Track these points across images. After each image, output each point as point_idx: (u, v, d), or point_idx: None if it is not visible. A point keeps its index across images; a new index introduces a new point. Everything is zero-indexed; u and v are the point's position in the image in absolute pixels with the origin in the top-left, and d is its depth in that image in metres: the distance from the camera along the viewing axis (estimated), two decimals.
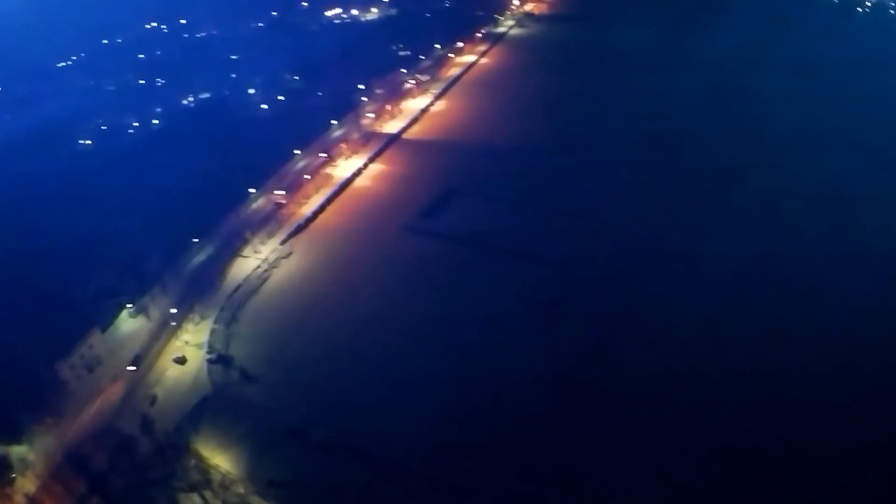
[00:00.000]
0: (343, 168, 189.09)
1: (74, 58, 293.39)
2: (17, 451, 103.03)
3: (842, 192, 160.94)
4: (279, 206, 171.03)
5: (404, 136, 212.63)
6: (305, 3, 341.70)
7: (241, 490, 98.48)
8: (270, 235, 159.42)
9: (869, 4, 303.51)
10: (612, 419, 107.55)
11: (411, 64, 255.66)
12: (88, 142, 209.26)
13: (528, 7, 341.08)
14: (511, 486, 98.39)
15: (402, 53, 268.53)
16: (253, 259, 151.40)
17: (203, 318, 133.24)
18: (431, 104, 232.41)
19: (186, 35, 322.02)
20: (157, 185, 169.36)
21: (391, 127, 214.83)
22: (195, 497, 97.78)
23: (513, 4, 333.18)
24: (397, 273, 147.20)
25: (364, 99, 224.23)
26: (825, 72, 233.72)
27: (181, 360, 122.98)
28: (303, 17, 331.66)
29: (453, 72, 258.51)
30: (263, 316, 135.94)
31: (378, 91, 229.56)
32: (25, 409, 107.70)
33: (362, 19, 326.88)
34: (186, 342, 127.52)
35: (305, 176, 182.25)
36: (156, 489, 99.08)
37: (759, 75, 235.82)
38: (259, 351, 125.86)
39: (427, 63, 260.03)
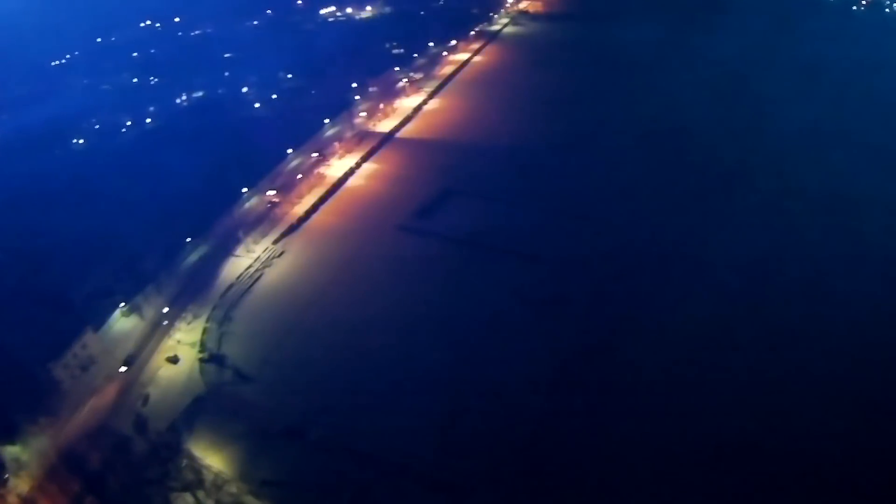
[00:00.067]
0: (337, 167, 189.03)
1: (69, 56, 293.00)
2: (11, 451, 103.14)
3: (846, 191, 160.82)
4: (272, 205, 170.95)
5: (399, 135, 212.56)
6: (300, 2, 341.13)
7: (235, 490, 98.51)
8: (264, 235, 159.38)
9: (864, 3, 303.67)
10: (613, 420, 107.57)
11: (406, 62, 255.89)
12: (82, 141, 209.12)
13: (523, 5, 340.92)
14: (509, 487, 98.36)
15: (396, 52, 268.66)
16: (246, 258, 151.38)
17: (196, 317, 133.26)
18: (425, 103, 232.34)
19: (181, 33, 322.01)
20: (151, 184, 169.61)
21: (385, 126, 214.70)
22: (188, 497, 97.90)
23: (507, 2, 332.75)
24: (392, 273, 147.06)
25: (358, 98, 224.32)
26: (827, 71, 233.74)
27: (174, 360, 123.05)
28: (297, 16, 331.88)
29: (448, 70, 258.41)
30: (257, 315, 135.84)
31: (372, 90, 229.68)
32: (19, 409, 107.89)
33: (357, 18, 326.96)
34: (179, 341, 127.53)
35: (299, 175, 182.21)
36: (150, 489, 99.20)
37: (760, 74, 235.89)
38: (253, 350, 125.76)
39: (422, 61, 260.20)
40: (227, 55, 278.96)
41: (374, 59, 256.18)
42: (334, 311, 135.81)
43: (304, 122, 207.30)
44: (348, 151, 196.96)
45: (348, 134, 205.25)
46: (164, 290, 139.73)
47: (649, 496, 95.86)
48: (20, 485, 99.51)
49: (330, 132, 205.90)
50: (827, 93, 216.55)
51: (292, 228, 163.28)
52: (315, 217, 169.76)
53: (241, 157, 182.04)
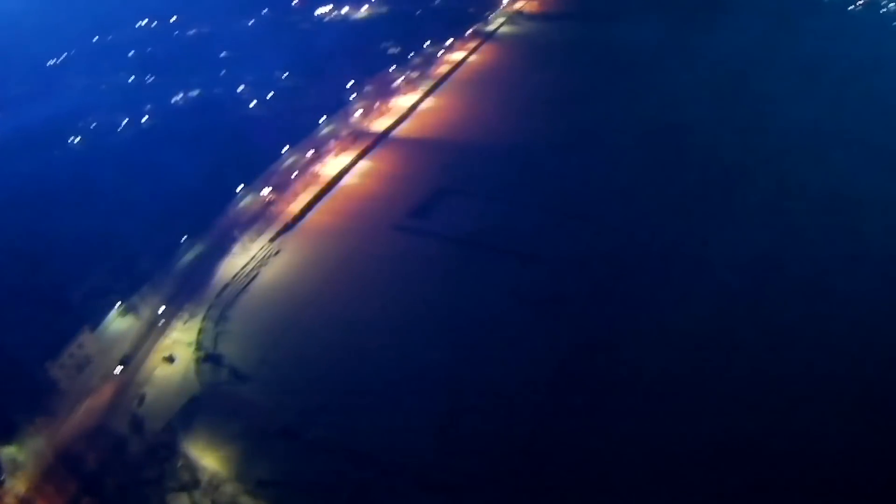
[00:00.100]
0: (332, 166, 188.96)
1: (65, 55, 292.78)
2: (8, 451, 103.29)
3: (847, 191, 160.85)
4: (268, 204, 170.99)
5: (394, 134, 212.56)
6: (296, 2, 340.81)
7: (231, 490, 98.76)
8: (259, 233, 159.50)
9: (861, 3, 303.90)
10: (613, 419, 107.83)
11: (401, 62, 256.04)
12: (79, 140, 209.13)
13: (519, 5, 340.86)
14: (508, 487, 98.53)
15: (392, 51, 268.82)
16: (242, 257, 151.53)
17: (192, 316, 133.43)
18: (421, 102, 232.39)
19: (177, 33, 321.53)
20: (147, 183, 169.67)
21: (381, 125, 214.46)
22: (184, 497, 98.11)
23: (503, 2, 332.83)
24: (389, 272, 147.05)
25: (354, 97, 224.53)
26: (826, 70, 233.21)
27: (171, 359, 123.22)
28: (294, 16, 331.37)
29: (444, 69, 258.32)
30: (253, 314, 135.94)
31: (368, 89, 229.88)
32: (16, 410, 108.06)
33: (353, 17, 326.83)
34: (175, 341, 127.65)
35: (294, 174, 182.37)
36: (147, 489, 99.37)
37: (759, 74, 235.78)
38: (249, 349, 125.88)
39: (417, 61, 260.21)
40: (223, 54, 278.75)
41: (369, 58, 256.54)
42: (331, 309, 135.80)
43: (300, 121, 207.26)
44: (344, 150, 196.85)
45: (344, 133, 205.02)
46: (161, 289, 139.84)
47: (649, 496, 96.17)
48: (17, 485, 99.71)
49: (325, 131, 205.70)
50: (826, 92, 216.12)
51: (288, 227, 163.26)
52: (311, 216, 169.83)
53: (237, 155, 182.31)
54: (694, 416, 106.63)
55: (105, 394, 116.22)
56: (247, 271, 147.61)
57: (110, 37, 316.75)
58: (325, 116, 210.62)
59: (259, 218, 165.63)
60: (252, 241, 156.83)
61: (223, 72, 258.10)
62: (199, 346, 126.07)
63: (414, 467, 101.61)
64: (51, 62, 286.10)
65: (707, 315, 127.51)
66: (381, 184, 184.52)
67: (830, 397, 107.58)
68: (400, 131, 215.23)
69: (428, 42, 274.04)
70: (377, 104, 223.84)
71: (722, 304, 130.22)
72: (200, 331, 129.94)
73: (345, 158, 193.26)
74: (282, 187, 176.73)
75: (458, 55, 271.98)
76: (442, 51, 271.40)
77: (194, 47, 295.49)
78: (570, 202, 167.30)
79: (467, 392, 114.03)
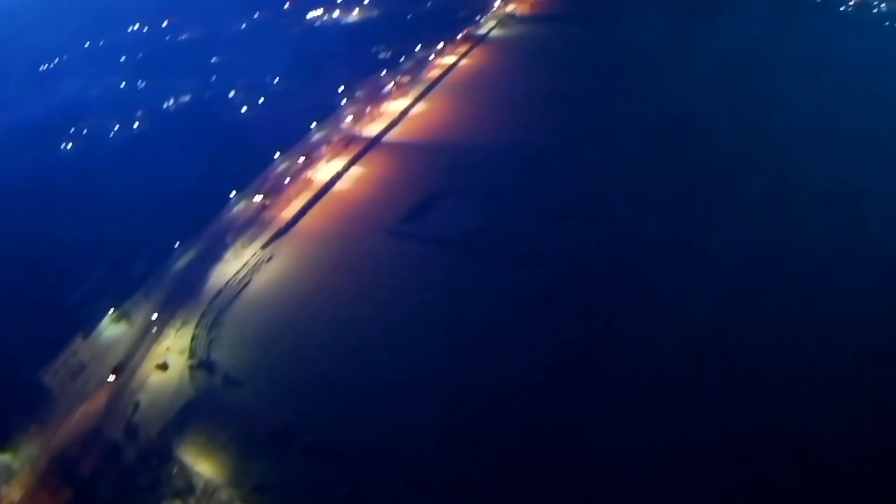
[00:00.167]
0: (324, 171, 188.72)
1: (57, 60, 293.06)
2: (2, 459, 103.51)
3: (850, 186, 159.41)
4: (261, 209, 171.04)
5: (387, 138, 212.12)
6: (288, 6, 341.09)
7: (226, 496, 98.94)
8: (252, 239, 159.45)
9: (852, 4, 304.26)
10: (613, 419, 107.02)
11: (393, 66, 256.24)
12: (71, 146, 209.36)
13: (511, 7, 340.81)
14: (506, 489, 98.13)
15: (383, 55, 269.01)
16: (235, 263, 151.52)
17: (185, 323, 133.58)
18: (413, 105, 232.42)
19: (169, 37, 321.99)
20: (139, 189, 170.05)
21: (373, 129, 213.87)
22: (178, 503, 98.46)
23: (495, 5, 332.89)
24: (382, 276, 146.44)
25: (346, 101, 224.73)
26: (825, 70, 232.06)
27: (163, 366, 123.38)
28: (285, 19, 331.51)
29: (435, 73, 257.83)
30: (246, 320, 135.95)
31: (359, 93, 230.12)
32: (10, 417, 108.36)
33: (344, 21, 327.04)
34: (168, 348, 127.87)
35: (286, 179, 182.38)
36: (141, 496, 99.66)
37: (758, 73, 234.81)
38: (242, 355, 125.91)
39: (408, 65, 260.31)
40: (214, 59, 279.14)
41: (361, 62, 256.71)
42: (325, 314, 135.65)
43: (292, 126, 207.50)
44: (336, 155, 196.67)
45: (336, 137, 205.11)
46: (154, 295, 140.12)
47: (649, 496, 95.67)
48: (11, 493, 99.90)
49: (317, 136, 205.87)
50: (828, 89, 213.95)
51: (280, 233, 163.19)
52: (303, 221, 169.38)
53: (229, 161, 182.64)
54: (695, 413, 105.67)
55: (99, 400, 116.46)
56: (240, 277, 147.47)
57: (102, 42, 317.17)
58: (316, 121, 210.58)
59: (252, 223, 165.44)
60: (245, 246, 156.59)
61: (214, 76, 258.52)
62: (192, 352, 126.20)
63: (410, 470, 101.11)
64: (42, 67, 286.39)
65: (708, 312, 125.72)
66: (374, 188, 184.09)
67: (832, 395, 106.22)
68: (392, 135, 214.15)
69: (419, 46, 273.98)
70: (369, 108, 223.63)
71: (723, 301, 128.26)
72: (194, 337, 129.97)
73: (337, 163, 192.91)
74: (274, 192, 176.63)
75: (449, 59, 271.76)
76: (434, 54, 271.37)
77: (186, 52, 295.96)
78: (566, 202, 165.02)
79: (464, 395, 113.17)
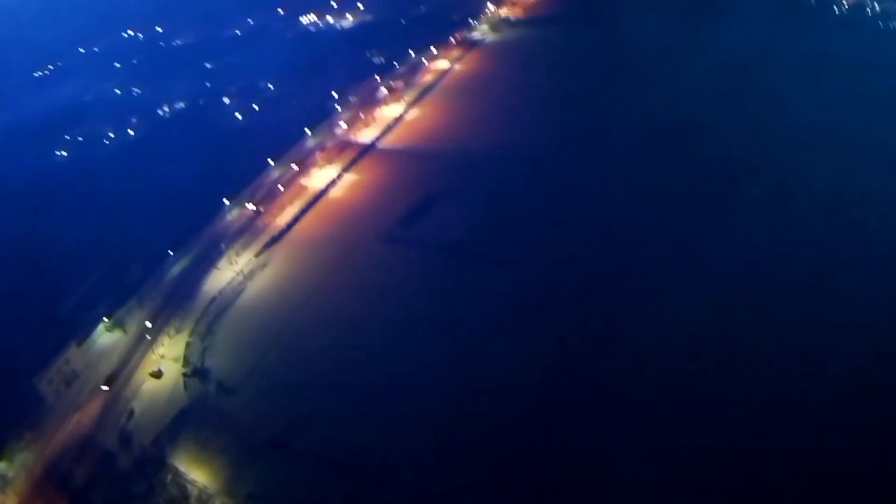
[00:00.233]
0: (318, 178, 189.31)
1: (51, 67, 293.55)
2: None
3: (852, 188, 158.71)
4: (254, 216, 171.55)
5: (380, 144, 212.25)
6: (282, 11, 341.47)
7: None
8: (246, 246, 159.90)
9: (846, 5, 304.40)
10: (614, 421, 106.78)
11: (386, 71, 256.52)
12: (64, 153, 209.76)
13: (504, 12, 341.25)
14: (498, 496, 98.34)
15: (376, 60, 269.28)
16: (228, 270, 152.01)
17: (179, 330, 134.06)
18: (407, 111, 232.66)
19: (163, 43, 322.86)
20: (133, 195, 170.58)
21: (366, 135, 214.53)
22: None
23: (488, 10, 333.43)
24: (377, 282, 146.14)
25: (338, 107, 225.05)
26: (828, 69, 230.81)
27: (157, 374, 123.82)
28: (279, 25, 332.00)
29: (429, 79, 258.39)
30: (240, 328, 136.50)
31: (353, 99, 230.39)
32: (4, 426, 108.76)
33: (338, 26, 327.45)
34: (162, 356, 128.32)
35: (280, 186, 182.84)
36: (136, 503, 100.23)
37: (757, 73, 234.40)
38: (236, 363, 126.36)
39: (402, 70, 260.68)
40: (208, 65, 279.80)
41: (355, 67, 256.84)
42: (318, 321, 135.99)
43: (286, 132, 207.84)
44: (329, 161, 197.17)
45: (330, 143, 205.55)
46: (147, 303, 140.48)
47: (649, 497, 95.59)
48: (6, 501, 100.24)
49: (311, 142, 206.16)
50: (829, 91, 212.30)
51: (274, 240, 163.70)
52: (297, 228, 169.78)
53: (222, 167, 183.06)
54: (696, 415, 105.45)
55: (93, 409, 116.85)
56: (234, 284, 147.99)
57: (96, 48, 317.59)
58: (309, 127, 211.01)
59: (245, 230, 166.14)
60: (238, 253, 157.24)
61: (208, 83, 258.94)
62: (186, 360, 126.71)
63: (404, 478, 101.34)
64: (37, 73, 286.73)
65: (708, 314, 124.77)
66: (368, 194, 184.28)
67: (832, 396, 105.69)
68: (386, 141, 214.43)
69: (413, 51, 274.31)
70: (363, 114, 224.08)
71: (724, 303, 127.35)
72: (188, 345, 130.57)
73: (331, 169, 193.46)
74: (268, 199, 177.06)
75: (443, 63, 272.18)
76: (427, 59, 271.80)
77: (180, 58, 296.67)
78: (562, 206, 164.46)
79: (460, 400, 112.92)
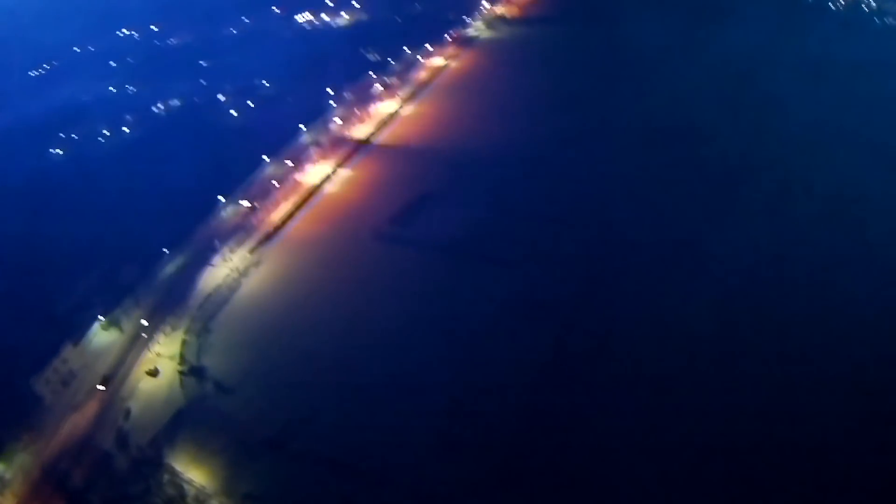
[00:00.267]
0: (313, 175, 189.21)
1: (47, 66, 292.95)
2: None
3: (852, 191, 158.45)
4: (249, 213, 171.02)
5: (375, 141, 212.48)
6: (277, 10, 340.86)
7: None
8: (241, 244, 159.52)
9: (843, 3, 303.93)
10: (614, 422, 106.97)
11: (382, 69, 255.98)
12: (59, 151, 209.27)
13: (500, 10, 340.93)
14: (497, 495, 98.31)
15: (372, 58, 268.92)
16: (223, 268, 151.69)
17: (174, 329, 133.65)
18: (402, 108, 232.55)
19: (158, 42, 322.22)
20: (128, 194, 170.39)
21: (361, 132, 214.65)
22: None
23: (484, 8, 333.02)
24: (372, 281, 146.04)
25: (333, 105, 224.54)
26: (828, 70, 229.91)
27: (154, 373, 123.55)
28: (274, 23, 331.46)
29: (425, 76, 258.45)
30: (236, 326, 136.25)
31: (348, 96, 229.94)
32: (1, 426, 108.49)
33: (333, 25, 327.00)
34: (159, 354, 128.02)
35: (274, 183, 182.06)
36: None
37: (756, 73, 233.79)
38: (233, 361, 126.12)
39: (397, 68, 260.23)
40: (203, 63, 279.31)
41: (350, 65, 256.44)
42: (313, 319, 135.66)
43: (281, 130, 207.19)
44: (325, 158, 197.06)
45: (325, 141, 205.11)
46: (143, 301, 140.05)
47: (649, 495, 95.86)
48: (3, 502, 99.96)
49: (306, 139, 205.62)
50: (829, 92, 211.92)
51: (269, 237, 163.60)
52: (292, 225, 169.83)
53: (217, 165, 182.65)
54: (696, 416, 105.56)
55: (90, 409, 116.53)
56: (229, 282, 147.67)
57: (91, 47, 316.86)
58: (305, 124, 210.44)
59: (240, 228, 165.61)
60: (233, 251, 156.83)
61: (203, 81, 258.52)
62: (182, 358, 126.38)
63: (401, 478, 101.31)
64: (33, 73, 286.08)
65: (708, 314, 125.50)
66: (363, 192, 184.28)
67: (832, 398, 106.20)
68: (381, 139, 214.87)
69: (408, 49, 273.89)
70: (358, 111, 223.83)
71: (723, 303, 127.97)
72: (183, 343, 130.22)
73: (326, 166, 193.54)
74: (263, 197, 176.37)
75: (438, 61, 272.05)
76: (422, 57, 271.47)
77: (174, 56, 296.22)
78: (562, 206, 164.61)
79: (457, 400, 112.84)
